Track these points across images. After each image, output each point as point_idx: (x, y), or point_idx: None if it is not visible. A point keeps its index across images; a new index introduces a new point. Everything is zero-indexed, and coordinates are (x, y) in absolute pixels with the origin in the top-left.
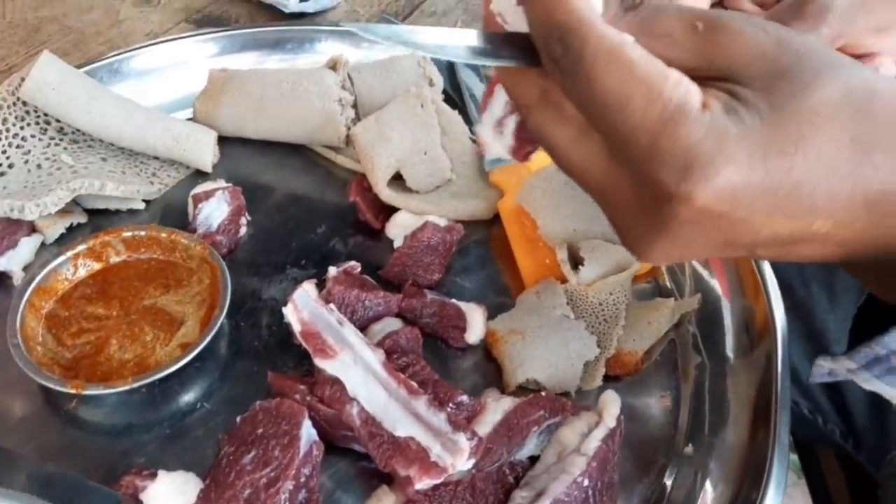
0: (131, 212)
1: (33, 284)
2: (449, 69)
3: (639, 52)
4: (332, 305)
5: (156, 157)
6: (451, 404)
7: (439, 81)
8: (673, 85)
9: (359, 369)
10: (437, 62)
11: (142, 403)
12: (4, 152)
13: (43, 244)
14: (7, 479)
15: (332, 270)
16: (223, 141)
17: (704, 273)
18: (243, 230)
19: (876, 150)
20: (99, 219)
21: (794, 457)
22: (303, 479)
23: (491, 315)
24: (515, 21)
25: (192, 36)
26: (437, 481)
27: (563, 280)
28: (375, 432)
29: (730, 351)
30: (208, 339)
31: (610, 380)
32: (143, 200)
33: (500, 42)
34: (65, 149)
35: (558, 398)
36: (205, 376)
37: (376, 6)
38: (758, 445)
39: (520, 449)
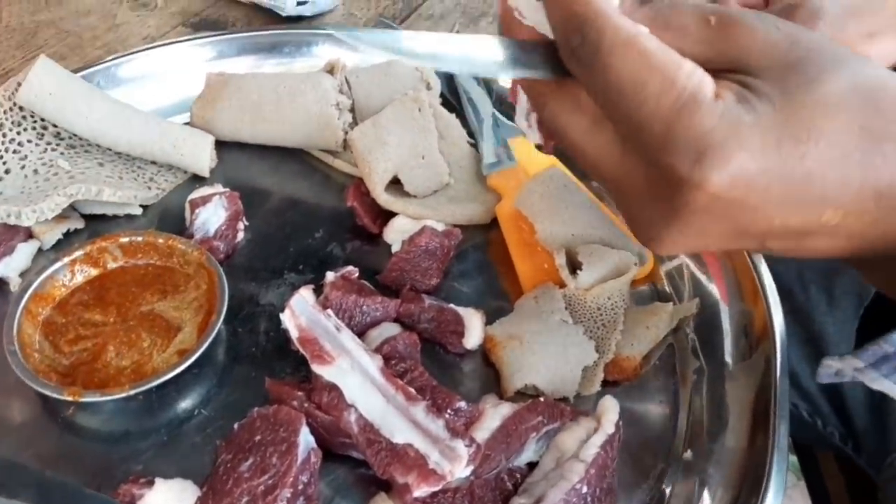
0: (129, 217)
1: (30, 291)
2: (446, 73)
3: (654, 43)
4: (329, 311)
5: (153, 162)
6: (449, 410)
7: (437, 85)
8: (687, 74)
9: (356, 375)
10: None
11: (139, 410)
12: (1, 158)
13: (40, 250)
14: (5, 487)
15: (330, 276)
16: (220, 145)
17: (703, 278)
18: (241, 235)
19: (886, 141)
20: (96, 224)
21: (794, 458)
22: (301, 487)
23: (489, 320)
24: (532, 15)
25: (189, 40)
26: (436, 488)
27: (562, 285)
28: (373, 439)
29: (728, 355)
30: (205, 345)
31: (608, 385)
32: (141, 206)
33: (522, 50)
34: (62, 154)
35: (557, 404)
36: (202, 383)
37: (373, 9)
38: (757, 450)
39: (518, 455)
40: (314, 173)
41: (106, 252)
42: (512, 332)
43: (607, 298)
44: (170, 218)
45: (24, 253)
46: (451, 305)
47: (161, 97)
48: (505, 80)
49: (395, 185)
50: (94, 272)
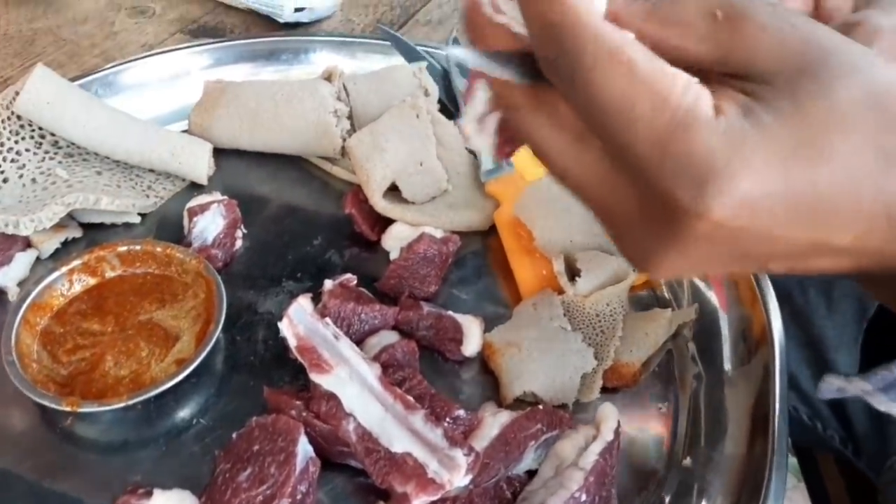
0: (127, 225)
1: (28, 300)
2: (444, 79)
3: (641, 54)
4: (327, 319)
5: (151, 170)
6: (447, 419)
7: (434, 91)
8: (682, 90)
9: (355, 384)
10: (431, 72)
11: (137, 420)
12: None
13: (38, 259)
14: (2, 499)
15: (328, 284)
16: (219, 153)
17: (701, 283)
18: (239, 243)
19: None
20: (94, 233)
21: (794, 460)
22: (299, 497)
23: (488, 326)
24: (510, 8)
25: (186, 47)
26: (434, 498)
27: (560, 291)
28: (372, 448)
29: (727, 361)
30: (203, 354)
31: (607, 392)
32: (139, 214)
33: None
34: (59, 163)
35: (555, 411)
36: (200, 392)
37: (371, 15)
38: (756, 457)
39: (517, 463)
40: (312, 180)
41: (104, 261)
42: (510, 340)
43: (606, 305)
44: (168, 226)
45: (22, 262)
46: (450, 313)
47: (159, 105)
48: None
49: (394, 191)
50: (91, 281)
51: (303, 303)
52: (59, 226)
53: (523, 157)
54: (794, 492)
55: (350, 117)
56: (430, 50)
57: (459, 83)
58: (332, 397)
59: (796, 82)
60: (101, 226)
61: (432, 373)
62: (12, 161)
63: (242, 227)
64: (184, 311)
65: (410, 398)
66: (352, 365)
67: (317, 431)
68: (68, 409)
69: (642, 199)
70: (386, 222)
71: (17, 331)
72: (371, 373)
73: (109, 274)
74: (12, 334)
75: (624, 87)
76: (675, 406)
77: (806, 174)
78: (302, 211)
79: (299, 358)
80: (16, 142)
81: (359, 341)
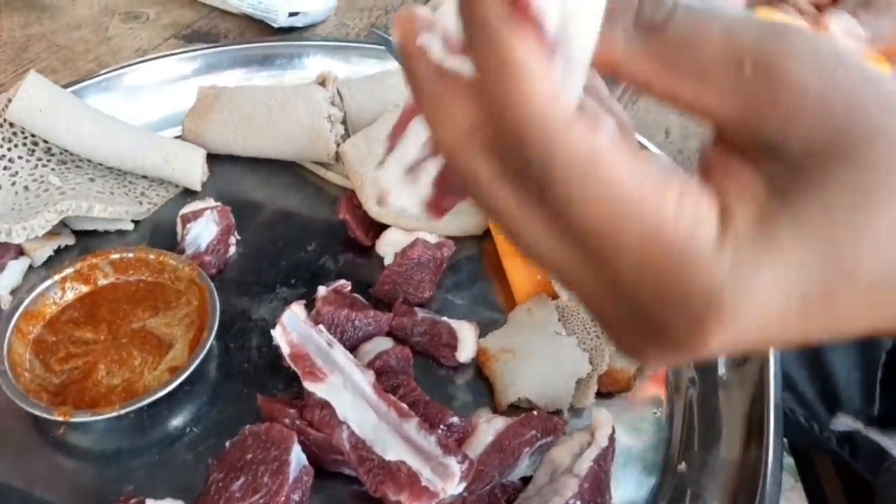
0: (120, 232)
1: (20, 309)
2: None
3: (623, 166)
4: (321, 326)
5: (144, 177)
6: (442, 426)
7: None
8: (674, 214)
9: (348, 392)
10: None
11: (130, 429)
12: None
13: (30, 267)
14: None
15: (322, 290)
16: (212, 159)
17: None
18: (232, 249)
19: None
20: (87, 240)
21: (791, 461)
22: None
23: (483, 331)
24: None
25: (180, 53)
26: None
27: (555, 296)
28: (365, 456)
29: (722, 365)
30: (196, 362)
31: (602, 397)
32: (132, 221)
33: None
34: (52, 170)
35: (550, 417)
36: (194, 400)
37: (366, 19)
38: (751, 461)
39: (512, 470)
40: (306, 186)
41: (97, 269)
42: (505, 345)
43: None
44: (161, 232)
45: (14, 270)
46: (444, 318)
47: (152, 110)
48: None
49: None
50: (84, 289)
51: (296, 310)
52: (52, 233)
53: None
54: (791, 492)
55: (344, 122)
56: None
57: None
58: (325, 405)
59: (832, 175)
60: (94, 233)
61: (427, 379)
62: (5, 168)
63: (236, 233)
64: (177, 319)
65: (404, 405)
66: (345, 372)
67: (310, 440)
68: (60, 418)
69: (632, 312)
70: (380, 228)
71: (10, 340)
72: (365, 380)
73: (102, 282)
74: (4, 343)
75: (605, 216)
76: (671, 411)
77: (825, 310)
78: (296, 217)
79: (292, 366)
80: (8, 149)
81: (353, 348)
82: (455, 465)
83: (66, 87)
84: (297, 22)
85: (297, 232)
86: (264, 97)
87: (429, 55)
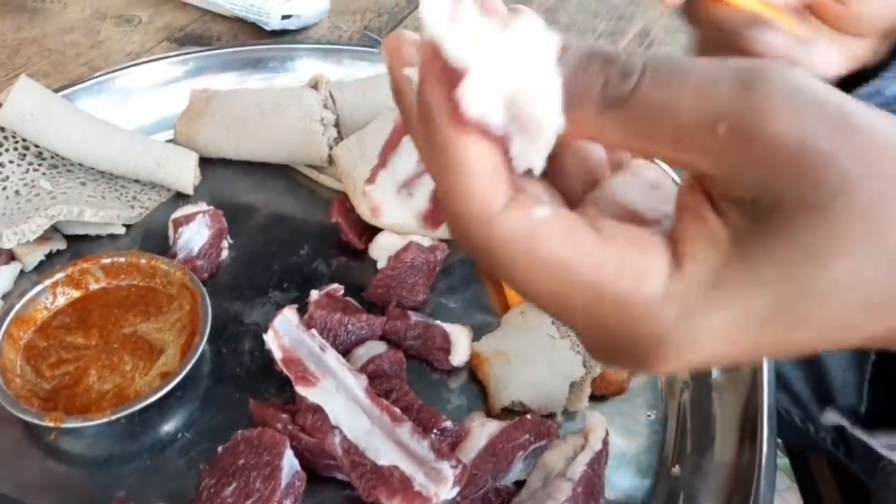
0: (111, 237)
1: (11, 314)
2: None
3: (558, 239)
4: (313, 331)
5: (136, 181)
6: (435, 430)
7: None
8: (614, 273)
9: (341, 397)
10: None
11: (122, 434)
12: None
13: (22, 272)
14: None
15: (314, 294)
16: (205, 162)
17: None
18: (225, 253)
19: None
20: (79, 244)
21: (786, 461)
22: None
23: (476, 335)
24: None
25: (172, 56)
26: None
27: None
28: (358, 461)
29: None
30: (188, 367)
31: (596, 400)
32: (124, 225)
33: None
34: (43, 174)
35: (544, 421)
36: (185, 405)
37: (359, 22)
38: (745, 464)
39: (505, 474)
40: (299, 189)
41: (88, 273)
42: (499, 348)
43: None
44: (153, 236)
45: (5, 276)
46: (438, 322)
47: (144, 114)
48: None
49: None
50: (76, 294)
51: (288, 314)
52: (43, 238)
53: None
54: (787, 493)
55: (337, 125)
56: None
57: None
58: (317, 410)
59: (793, 231)
60: (85, 237)
61: (420, 382)
62: None
63: (228, 237)
64: (168, 324)
65: (397, 410)
66: (338, 377)
67: (303, 445)
68: (51, 424)
69: (597, 345)
70: (373, 231)
71: (1, 345)
72: (357, 385)
73: (93, 286)
74: None
75: (548, 284)
76: (664, 413)
77: (773, 347)
78: (288, 220)
79: (285, 370)
80: None
81: (345, 352)
82: (448, 470)
83: (57, 90)
84: (289, 25)
85: (290, 235)
86: (257, 100)
87: (461, 114)
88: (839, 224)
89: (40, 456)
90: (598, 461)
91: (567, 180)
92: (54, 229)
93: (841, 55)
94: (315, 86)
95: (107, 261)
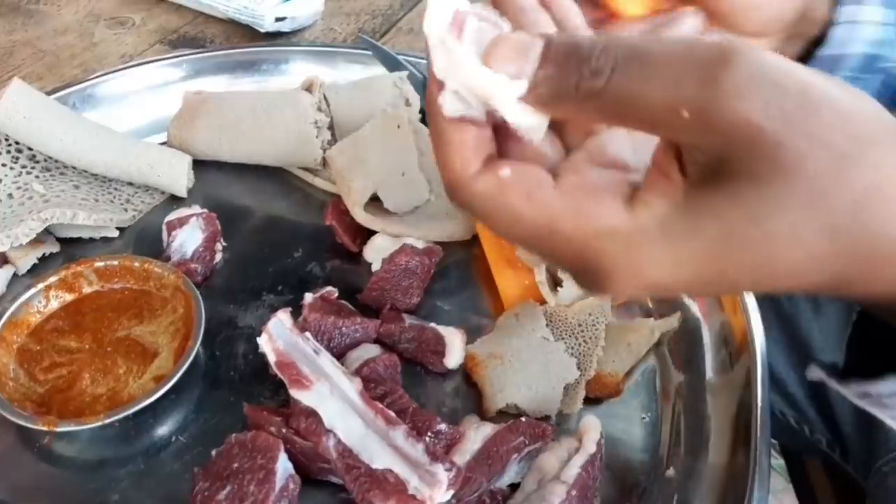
0: (105, 240)
1: (4, 318)
2: (425, 88)
3: (522, 195)
4: (307, 334)
5: (130, 183)
6: (429, 433)
7: (416, 101)
8: (573, 216)
9: (335, 400)
10: (413, 81)
11: (115, 438)
12: None
13: (15, 275)
14: None
15: (308, 297)
16: (198, 165)
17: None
18: (218, 256)
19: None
20: (72, 247)
21: (782, 462)
22: None
23: (471, 338)
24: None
25: (165, 59)
26: None
27: (543, 301)
28: (352, 464)
29: (709, 369)
30: (182, 371)
31: (591, 402)
32: (117, 228)
33: None
34: (36, 177)
35: (538, 423)
36: (179, 409)
37: (353, 24)
38: (739, 466)
39: (500, 477)
40: (293, 192)
41: (81, 277)
42: (493, 351)
43: (588, 315)
44: (147, 239)
45: None
46: (432, 325)
47: (138, 117)
48: None
49: (375, 202)
50: (69, 297)
51: (282, 317)
52: (37, 241)
53: None
54: (783, 494)
55: (331, 127)
56: (411, 59)
57: None
58: (312, 413)
59: (744, 193)
60: (78, 240)
61: (414, 385)
62: None
63: (222, 240)
64: (162, 327)
65: (392, 413)
66: (332, 380)
67: (297, 448)
68: (45, 428)
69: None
70: (368, 233)
71: None
72: (352, 388)
73: (87, 290)
74: None
75: (516, 228)
76: (659, 415)
77: (708, 286)
78: (283, 223)
79: (279, 374)
80: None
81: (340, 355)
82: (442, 473)
83: (51, 93)
84: (283, 27)
85: (284, 238)
86: (251, 103)
87: (442, 112)
88: (781, 192)
89: (34, 460)
90: (593, 464)
91: (569, 130)
92: (47, 232)
93: None
94: (309, 88)
95: (100, 264)
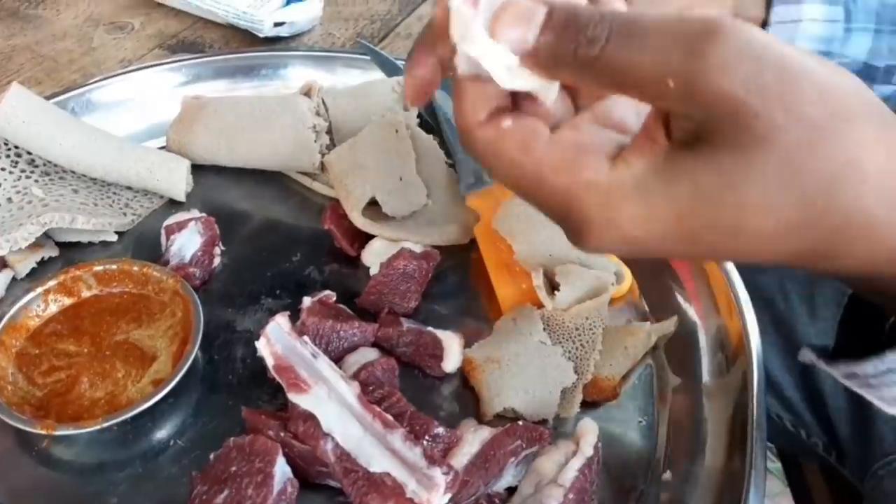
0: (104, 244)
1: (3, 321)
2: None
3: (515, 144)
4: (306, 338)
5: (129, 188)
6: (427, 437)
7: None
8: (555, 168)
9: (333, 404)
10: None
11: (114, 442)
12: None
13: (14, 279)
14: None
15: (307, 301)
16: (197, 169)
17: (680, 295)
18: (217, 260)
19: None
20: (71, 251)
21: (779, 465)
22: None
23: (469, 341)
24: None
25: (164, 63)
26: None
27: (540, 305)
28: (350, 468)
29: (706, 373)
30: (180, 375)
31: (588, 406)
32: (116, 232)
33: None
34: (36, 181)
35: (535, 427)
36: (177, 412)
37: (351, 29)
38: (735, 470)
39: (497, 480)
40: (292, 196)
41: (80, 281)
42: (491, 355)
43: (585, 319)
44: (146, 243)
45: None
46: (430, 329)
47: (137, 121)
48: None
49: (373, 206)
50: (68, 301)
51: (280, 321)
52: (36, 245)
53: None
54: (780, 497)
55: (329, 132)
56: None
57: (440, 98)
58: (310, 417)
59: (721, 160)
60: (77, 244)
61: (412, 389)
62: None
63: (221, 244)
64: (161, 331)
65: (389, 417)
66: (330, 384)
67: (295, 452)
68: (44, 432)
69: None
70: (366, 238)
71: None
72: (350, 392)
73: (86, 294)
74: None
75: (509, 175)
76: (655, 419)
77: (681, 246)
78: (281, 226)
79: (277, 377)
80: None
81: (338, 359)
82: (440, 477)
83: (50, 98)
84: (282, 32)
85: (283, 242)
86: (249, 107)
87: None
88: (756, 161)
89: (32, 463)
90: (590, 467)
91: (582, 93)
92: (46, 236)
93: None
94: (307, 93)
95: (99, 268)
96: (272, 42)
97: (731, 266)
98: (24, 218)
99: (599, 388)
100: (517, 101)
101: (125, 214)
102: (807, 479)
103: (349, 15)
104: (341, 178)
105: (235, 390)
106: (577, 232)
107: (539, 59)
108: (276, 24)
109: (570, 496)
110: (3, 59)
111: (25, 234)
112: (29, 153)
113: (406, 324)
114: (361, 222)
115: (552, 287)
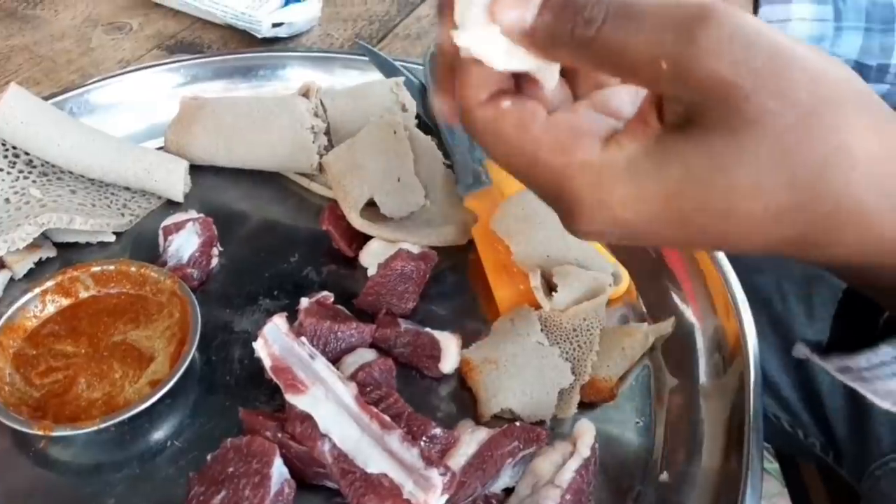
0: (102, 244)
1: (1, 322)
2: (422, 94)
3: (512, 124)
4: (303, 339)
5: (127, 188)
6: (424, 438)
7: (412, 107)
8: (549, 148)
9: (331, 404)
10: (409, 87)
11: (111, 443)
12: None
13: (11, 280)
14: None
15: (304, 302)
16: (195, 170)
17: (677, 296)
18: (215, 261)
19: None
20: (69, 252)
21: (776, 466)
22: None
23: (466, 342)
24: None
25: (163, 64)
26: None
27: (538, 306)
28: (347, 469)
29: (703, 374)
30: (178, 375)
31: (585, 407)
32: (114, 233)
33: None
34: (34, 182)
35: (533, 428)
36: (175, 413)
37: (350, 30)
38: (732, 470)
39: (494, 481)
40: (290, 197)
41: (77, 281)
42: (488, 356)
43: (583, 320)
44: (143, 244)
45: None
46: (427, 329)
47: (135, 122)
48: None
49: (371, 207)
50: (65, 302)
51: (278, 322)
52: (33, 245)
53: (500, 172)
54: (778, 498)
55: (327, 133)
56: (407, 65)
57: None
58: (307, 418)
59: (711, 142)
60: (75, 245)
61: (410, 390)
62: None
63: (218, 244)
64: (158, 332)
65: (387, 418)
66: (328, 385)
67: (292, 453)
68: (41, 432)
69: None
70: (364, 238)
71: None
72: (347, 392)
73: (83, 294)
74: None
75: (504, 155)
76: (653, 420)
77: (670, 230)
78: (279, 227)
79: (274, 378)
80: None
81: (335, 359)
82: (437, 478)
83: (48, 98)
84: (280, 32)
85: (280, 243)
86: (247, 108)
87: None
88: (746, 145)
89: (29, 464)
90: (587, 468)
91: (581, 82)
92: (44, 237)
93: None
94: (306, 93)
95: (96, 269)
96: (270, 43)
97: (728, 266)
98: (21, 218)
99: (597, 389)
100: (520, 86)
101: (123, 215)
102: (804, 479)
103: (348, 16)
104: (339, 178)
105: (233, 391)
106: (568, 213)
107: (536, 38)
108: (275, 25)
109: (567, 497)
110: (1, 59)
111: (23, 235)
112: (27, 153)
113: (404, 324)
114: (359, 223)
115: (550, 288)
